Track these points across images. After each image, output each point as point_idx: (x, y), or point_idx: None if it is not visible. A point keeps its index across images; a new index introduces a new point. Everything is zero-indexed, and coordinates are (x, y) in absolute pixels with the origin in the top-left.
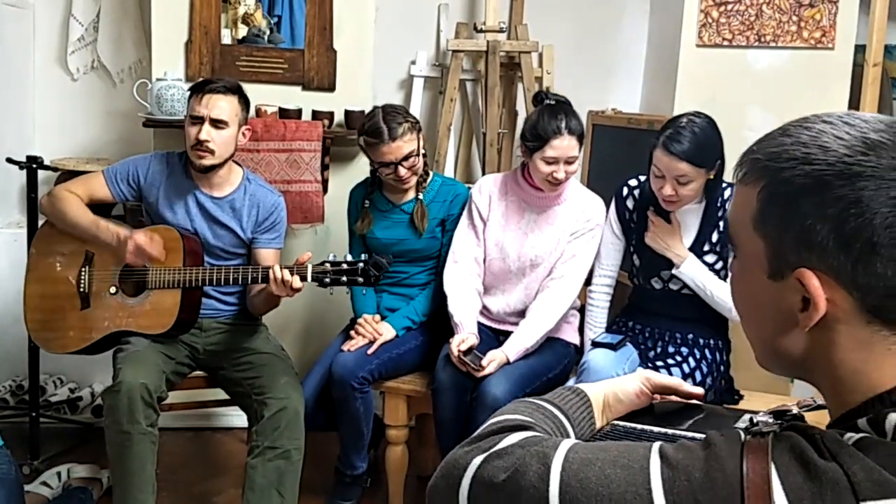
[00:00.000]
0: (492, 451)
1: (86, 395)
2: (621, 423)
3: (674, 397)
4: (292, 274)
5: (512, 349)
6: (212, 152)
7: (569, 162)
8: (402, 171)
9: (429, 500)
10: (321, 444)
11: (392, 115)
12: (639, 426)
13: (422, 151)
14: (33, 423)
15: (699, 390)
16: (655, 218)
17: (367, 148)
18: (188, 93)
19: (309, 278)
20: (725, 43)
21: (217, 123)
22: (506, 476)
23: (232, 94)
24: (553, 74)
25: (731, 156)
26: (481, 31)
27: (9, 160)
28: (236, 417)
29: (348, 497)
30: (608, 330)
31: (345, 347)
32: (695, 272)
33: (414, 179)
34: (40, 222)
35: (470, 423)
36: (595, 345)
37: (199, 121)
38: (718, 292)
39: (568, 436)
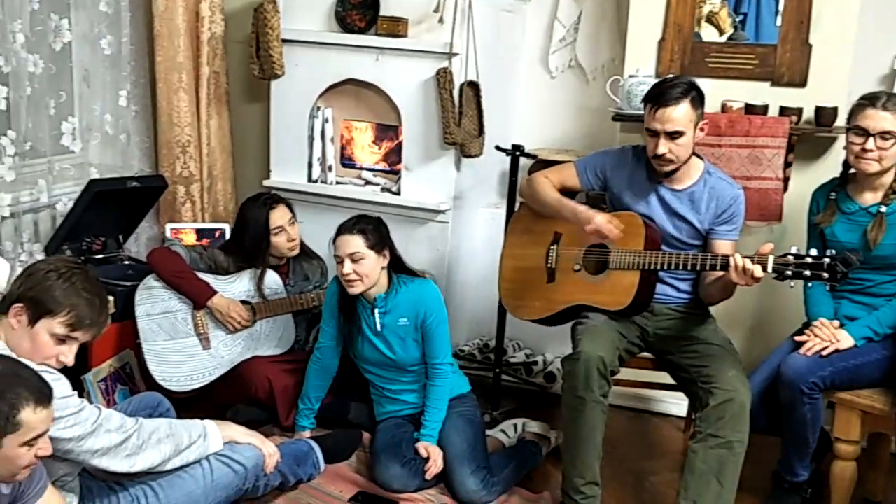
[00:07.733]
0: None
1: (539, 361)
2: None
3: None
4: (753, 263)
5: None
6: (671, 161)
7: None
8: (872, 144)
9: None
10: (763, 448)
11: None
12: None
13: None
14: (496, 379)
15: None
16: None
17: (853, 111)
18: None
19: (769, 269)
20: None
21: (673, 136)
22: None
23: (683, 100)
24: None
25: None
26: None
27: (497, 147)
28: (674, 405)
29: None
30: None
31: (799, 344)
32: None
33: (884, 165)
34: (516, 205)
35: None
36: None
37: (654, 134)
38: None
39: None
